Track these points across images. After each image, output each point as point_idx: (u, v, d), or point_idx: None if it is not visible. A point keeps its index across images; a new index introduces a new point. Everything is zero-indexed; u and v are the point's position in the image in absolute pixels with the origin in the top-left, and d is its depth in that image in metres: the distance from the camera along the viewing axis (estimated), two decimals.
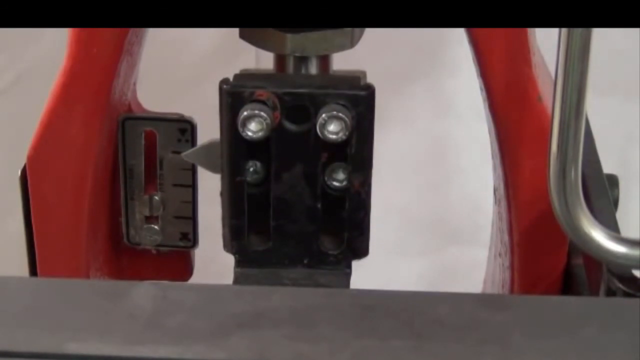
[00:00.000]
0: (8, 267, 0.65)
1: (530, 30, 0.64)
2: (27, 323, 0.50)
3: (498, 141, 0.66)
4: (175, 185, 0.72)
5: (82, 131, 0.67)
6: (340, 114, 0.61)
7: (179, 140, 0.71)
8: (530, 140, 0.64)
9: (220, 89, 0.62)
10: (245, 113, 0.61)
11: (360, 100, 0.62)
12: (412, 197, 1.40)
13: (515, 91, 0.64)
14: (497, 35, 0.63)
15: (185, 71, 1.32)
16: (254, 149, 0.63)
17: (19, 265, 0.73)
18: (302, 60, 0.66)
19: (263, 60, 1.18)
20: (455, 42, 1.22)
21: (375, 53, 1.21)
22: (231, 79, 0.63)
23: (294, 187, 0.63)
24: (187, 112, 0.71)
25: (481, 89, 0.65)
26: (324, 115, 0.61)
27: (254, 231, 0.65)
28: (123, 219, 0.73)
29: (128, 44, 0.65)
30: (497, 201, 0.71)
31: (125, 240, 0.74)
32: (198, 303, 0.52)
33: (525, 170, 0.65)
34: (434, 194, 1.40)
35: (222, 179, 0.64)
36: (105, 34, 0.64)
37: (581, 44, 0.55)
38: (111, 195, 0.72)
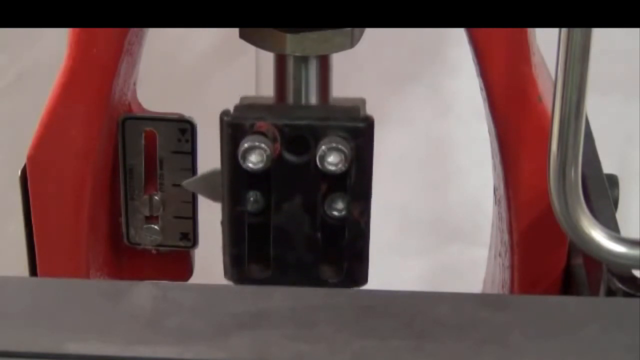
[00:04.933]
0: (8, 267, 0.65)
1: (530, 30, 0.64)
2: (27, 323, 0.50)
3: (498, 141, 0.66)
4: (175, 185, 0.72)
5: (82, 131, 0.67)
6: (339, 146, 0.61)
7: (179, 140, 0.71)
8: (530, 140, 0.64)
9: (221, 120, 0.63)
10: (245, 145, 0.62)
11: (359, 132, 0.62)
12: (412, 196, 1.40)
13: (515, 91, 0.64)
14: (497, 35, 0.63)
15: (185, 71, 1.32)
16: (254, 179, 0.63)
17: (19, 265, 0.73)
18: (302, 60, 0.66)
19: (263, 60, 1.18)
20: (455, 42, 1.21)
21: (375, 53, 1.21)
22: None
23: (293, 217, 0.64)
24: (187, 112, 0.71)
25: (481, 89, 0.65)
26: (323, 147, 0.62)
27: (254, 260, 0.65)
28: (123, 219, 0.73)
29: (128, 44, 0.65)
30: (497, 201, 0.71)
31: (125, 240, 0.74)
32: (198, 303, 0.52)
33: (525, 170, 0.65)
34: (434, 193, 1.40)
35: (223, 208, 0.65)
36: (105, 34, 0.64)
37: (581, 44, 0.55)
38: (111, 195, 0.72)
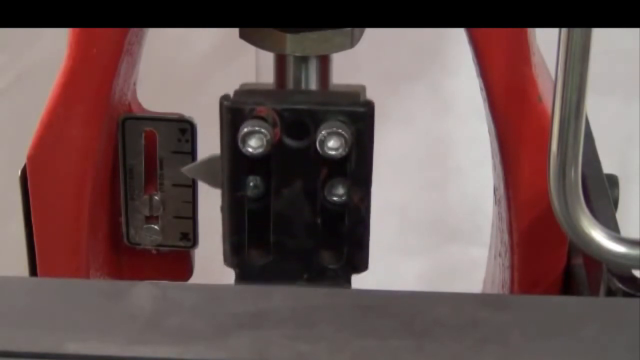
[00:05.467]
0: (8, 267, 0.65)
1: (530, 30, 0.64)
2: (27, 323, 0.50)
3: (498, 141, 0.66)
4: (175, 185, 0.72)
5: (82, 131, 0.67)
6: (339, 130, 0.61)
7: (179, 140, 0.71)
8: (530, 140, 0.65)
9: (221, 105, 0.63)
10: (245, 129, 0.62)
11: (359, 117, 0.62)
12: (412, 196, 1.40)
13: (515, 91, 0.64)
14: (497, 35, 0.63)
15: (185, 71, 1.32)
16: (254, 164, 0.63)
17: (19, 265, 0.73)
18: (302, 60, 0.66)
19: (263, 60, 1.18)
20: (455, 42, 1.22)
21: (375, 53, 1.21)
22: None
23: (294, 203, 0.64)
24: (187, 112, 0.71)
25: (481, 89, 0.65)
26: (323, 131, 0.61)
27: (254, 246, 0.65)
28: (123, 219, 0.73)
29: (128, 44, 0.65)
30: (497, 201, 0.71)
31: (125, 240, 0.74)
32: (198, 303, 0.52)
33: (525, 170, 0.65)
34: (434, 193, 1.40)
35: (223, 194, 0.64)
36: (105, 34, 0.64)
37: (581, 44, 0.55)
38: (111, 195, 0.72)
